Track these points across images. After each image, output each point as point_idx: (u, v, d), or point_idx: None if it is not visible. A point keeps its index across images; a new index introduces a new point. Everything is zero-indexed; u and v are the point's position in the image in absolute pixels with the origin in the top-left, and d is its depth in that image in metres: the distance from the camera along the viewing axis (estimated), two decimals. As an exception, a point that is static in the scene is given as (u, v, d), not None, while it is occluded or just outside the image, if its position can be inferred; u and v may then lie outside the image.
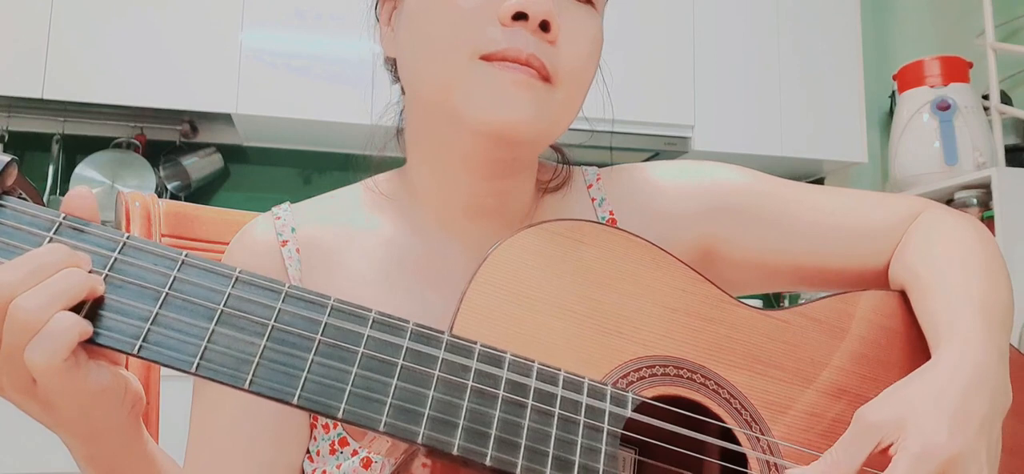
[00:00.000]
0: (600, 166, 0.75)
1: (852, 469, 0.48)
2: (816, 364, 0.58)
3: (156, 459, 0.52)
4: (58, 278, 0.40)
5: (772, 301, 2.68)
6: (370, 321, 0.44)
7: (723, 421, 0.53)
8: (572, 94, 0.59)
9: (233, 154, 2.67)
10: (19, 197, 0.43)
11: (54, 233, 0.42)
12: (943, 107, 2.52)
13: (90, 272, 0.41)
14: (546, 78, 0.56)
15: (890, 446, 0.49)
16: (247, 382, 0.41)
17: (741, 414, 0.54)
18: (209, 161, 2.60)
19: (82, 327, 0.40)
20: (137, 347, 0.40)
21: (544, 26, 0.55)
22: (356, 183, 0.70)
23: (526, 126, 0.56)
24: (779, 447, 0.54)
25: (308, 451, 0.63)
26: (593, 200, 0.70)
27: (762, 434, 0.54)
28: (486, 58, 0.55)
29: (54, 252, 0.40)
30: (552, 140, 0.63)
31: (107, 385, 0.43)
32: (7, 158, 0.42)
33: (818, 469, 0.49)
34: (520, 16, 0.55)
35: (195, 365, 0.41)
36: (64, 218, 0.43)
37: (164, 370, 0.82)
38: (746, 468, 0.52)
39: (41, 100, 2.24)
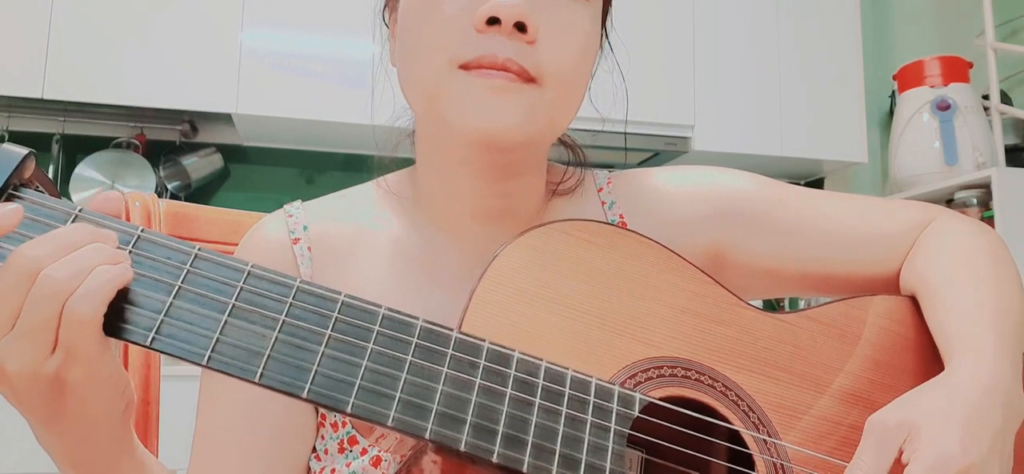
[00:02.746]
0: (603, 167, 0.74)
1: None
2: (825, 368, 0.58)
3: (145, 464, 0.51)
4: (87, 251, 0.41)
5: (772, 306, 2.68)
6: (380, 317, 0.44)
7: (731, 423, 0.53)
8: (562, 92, 0.58)
9: (233, 154, 2.67)
10: (36, 190, 0.43)
11: (70, 225, 0.43)
12: (943, 107, 2.52)
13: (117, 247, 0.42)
14: (530, 79, 0.55)
15: (902, 452, 0.49)
16: (258, 375, 0.41)
17: (749, 417, 0.53)
18: (209, 161, 2.60)
19: (124, 272, 0.41)
20: (150, 339, 0.41)
21: (520, 27, 0.54)
22: (368, 182, 0.70)
23: (513, 130, 0.55)
24: (786, 450, 0.54)
25: (315, 449, 0.62)
26: (603, 203, 0.70)
27: (770, 437, 0.53)
28: (464, 67, 0.55)
29: (80, 231, 0.41)
30: (549, 140, 0.62)
31: (114, 372, 0.43)
32: (24, 151, 0.43)
33: None
34: (494, 21, 0.54)
35: (207, 357, 0.41)
36: (80, 210, 0.43)
37: (164, 370, 0.82)
38: (753, 471, 0.52)
39: (41, 100, 2.24)
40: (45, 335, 0.40)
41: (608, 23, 0.68)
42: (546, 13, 0.56)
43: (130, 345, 0.67)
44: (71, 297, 0.40)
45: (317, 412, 0.62)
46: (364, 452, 0.60)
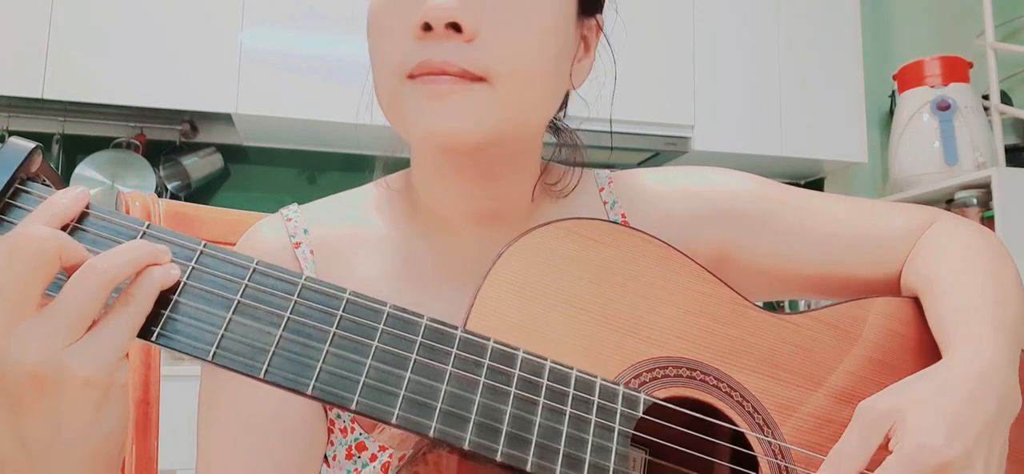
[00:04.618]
0: (601, 167, 0.74)
1: (862, 463, 0.49)
2: (830, 369, 0.58)
3: None
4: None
5: (773, 308, 2.67)
6: (385, 315, 0.44)
7: (735, 424, 0.53)
8: (518, 86, 0.55)
9: (233, 154, 2.67)
10: (43, 183, 0.43)
11: (77, 221, 0.43)
12: (943, 107, 2.52)
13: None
14: (477, 78, 0.53)
15: (888, 440, 0.49)
16: (263, 371, 0.41)
17: (753, 417, 0.53)
18: (209, 161, 2.59)
19: (168, 273, 0.42)
20: (155, 334, 0.41)
21: (455, 27, 0.53)
22: (368, 184, 0.70)
23: (465, 133, 0.54)
24: (791, 452, 0.53)
25: (325, 457, 0.62)
26: (605, 203, 0.69)
27: (774, 438, 0.53)
28: (411, 76, 0.54)
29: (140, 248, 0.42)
30: (522, 136, 0.60)
31: (125, 381, 0.42)
32: (31, 145, 0.43)
33: (828, 469, 0.49)
34: (429, 26, 0.53)
35: (212, 353, 0.41)
36: (87, 206, 0.43)
37: (164, 370, 0.81)
38: (757, 472, 0.52)
39: (41, 100, 2.24)
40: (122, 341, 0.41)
41: (602, 16, 0.66)
42: (490, 9, 0.54)
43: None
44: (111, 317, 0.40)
45: (327, 418, 0.62)
46: (374, 458, 0.59)
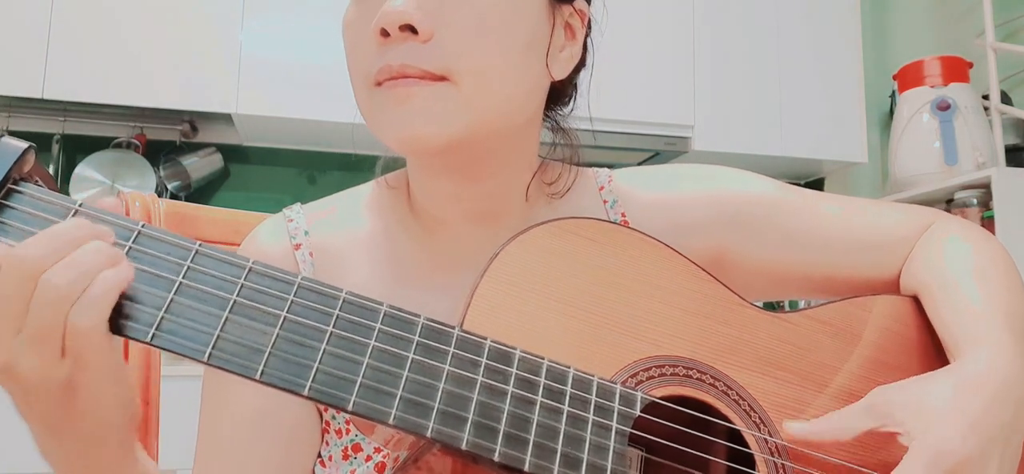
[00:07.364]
0: (601, 166, 0.74)
1: (848, 433, 0.51)
2: (826, 368, 0.58)
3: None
4: (87, 252, 0.40)
5: (772, 307, 2.67)
6: (381, 314, 0.44)
7: (732, 422, 0.53)
8: (484, 82, 0.54)
9: (233, 154, 2.67)
10: (36, 184, 0.43)
11: (67, 221, 0.42)
12: (943, 107, 2.52)
13: (114, 244, 0.42)
14: (438, 77, 0.53)
15: (900, 434, 0.49)
16: (259, 372, 0.41)
17: (750, 416, 0.53)
18: (209, 161, 2.59)
19: (125, 273, 0.40)
20: (151, 335, 0.40)
21: (410, 29, 0.53)
22: (368, 182, 0.70)
23: (431, 135, 0.53)
24: (787, 449, 0.54)
25: (319, 455, 0.62)
26: (605, 202, 0.69)
27: (770, 436, 0.53)
28: (377, 84, 0.55)
29: (78, 227, 0.41)
30: (496, 132, 0.58)
31: (123, 377, 0.43)
32: (24, 145, 0.42)
33: (817, 424, 0.52)
34: (386, 32, 0.53)
35: (208, 354, 0.40)
36: (80, 205, 0.43)
37: (164, 369, 0.82)
38: (754, 469, 0.52)
39: (41, 100, 2.24)
40: (52, 342, 0.39)
41: (588, 3, 0.65)
42: (447, 6, 0.54)
43: (131, 343, 0.67)
44: (74, 305, 0.39)
45: (321, 419, 0.62)
46: (368, 459, 0.60)
